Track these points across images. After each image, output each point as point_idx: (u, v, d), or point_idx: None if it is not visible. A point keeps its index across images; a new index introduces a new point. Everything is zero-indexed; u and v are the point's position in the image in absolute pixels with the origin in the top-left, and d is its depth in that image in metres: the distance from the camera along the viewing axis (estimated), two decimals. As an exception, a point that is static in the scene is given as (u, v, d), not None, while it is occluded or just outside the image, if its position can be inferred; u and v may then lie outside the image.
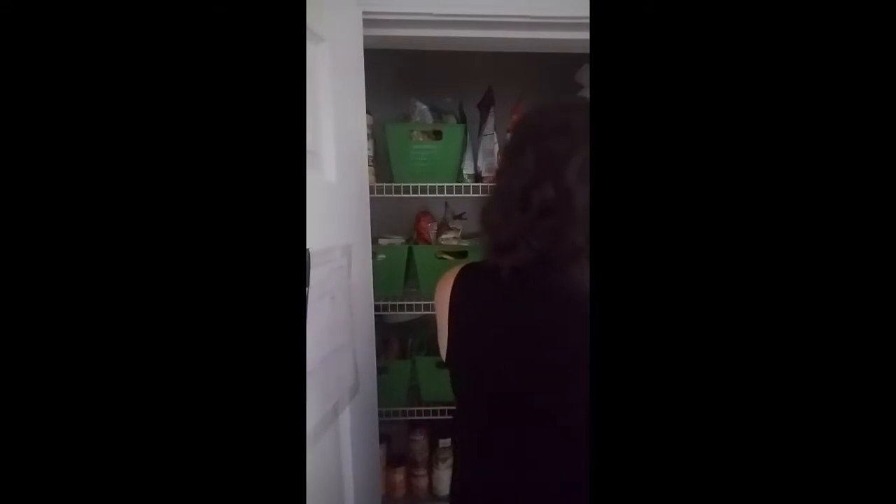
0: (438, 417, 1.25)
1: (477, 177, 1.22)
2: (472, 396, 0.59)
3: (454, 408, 0.63)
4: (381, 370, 1.01)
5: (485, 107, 1.24)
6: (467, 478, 0.61)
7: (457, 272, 0.60)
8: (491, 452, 0.56)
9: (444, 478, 1.35)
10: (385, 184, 1.14)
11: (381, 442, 1.12)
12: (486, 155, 1.20)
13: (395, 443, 1.40)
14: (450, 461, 1.36)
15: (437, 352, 1.27)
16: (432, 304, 1.13)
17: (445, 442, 1.36)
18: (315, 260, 0.60)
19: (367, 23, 0.87)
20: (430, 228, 1.30)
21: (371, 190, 0.97)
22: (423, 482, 1.36)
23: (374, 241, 1.20)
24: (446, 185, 1.14)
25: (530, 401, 0.53)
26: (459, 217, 1.36)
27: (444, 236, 1.29)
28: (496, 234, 0.56)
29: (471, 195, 1.17)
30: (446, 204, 1.36)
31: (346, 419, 0.78)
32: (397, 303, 1.17)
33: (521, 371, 0.53)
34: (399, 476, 1.34)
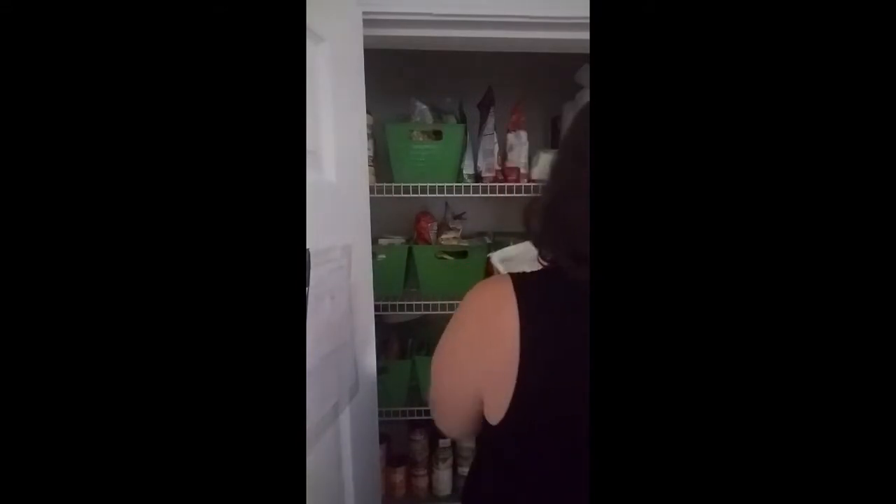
0: (438, 417, 1.25)
1: (477, 177, 1.23)
2: (537, 421, 0.46)
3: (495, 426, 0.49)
4: (381, 370, 1.01)
5: (485, 107, 1.24)
6: (501, 488, 0.50)
7: (506, 288, 0.46)
8: (551, 470, 0.46)
9: (443, 478, 1.35)
10: (385, 184, 1.14)
11: (381, 442, 1.12)
12: (486, 155, 1.20)
13: (395, 443, 1.40)
14: (450, 461, 1.36)
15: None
16: (432, 304, 1.16)
17: (445, 442, 1.36)
18: (315, 260, 0.60)
19: (367, 23, 0.87)
20: (430, 228, 1.30)
21: (371, 190, 0.97)
22: (423, 482, 1.36)
23: (374, 241, 1.21)
24: (446, 185, 1.14)
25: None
26: (459, 217, 1.36)
27: (444, 236, 1.29)
28: (576, 239, 0.43)
29: (471, 195, 1.17)
30: (446, 204, 1.36)
31: (346, 419, 0.78)
32: (397, 303, 1.18)
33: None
34: (399, 476, 1.34)
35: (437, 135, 1.15)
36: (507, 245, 1.28)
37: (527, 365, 0.43)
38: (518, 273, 0.49)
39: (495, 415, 0.46)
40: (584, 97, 1.25)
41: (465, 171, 1.20)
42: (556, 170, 0.51)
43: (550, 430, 0.45)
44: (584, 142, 0.46)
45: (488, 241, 1.34)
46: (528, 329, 0.43)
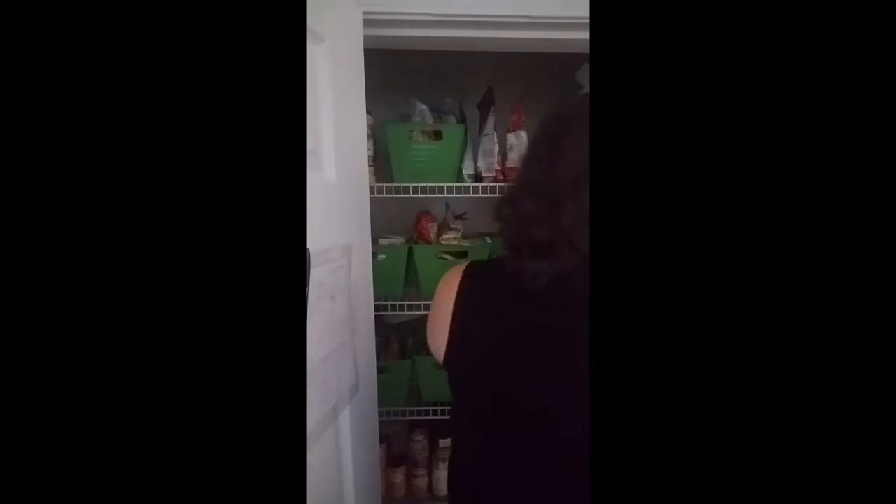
0: (438, 417, 1.25)
1: (477, 177, 1.22)
2: (473, 398, 0.58)
3: (451, 407, 0.62)
4: (381, 370, 1.01)
5: (485, 107, 1.24)
6: (465, 478, 0.60)
7: (461, 271, 0.58)
8: (492, 454, 0.55)
9: (443, 478, 1.35)
10: (385, 184, 1.14)
11: (381, 442, 1.12)
12: (486, 155, 1.20)
13: (395, 443, 1.40)
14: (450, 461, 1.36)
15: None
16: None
17: (445, 442, 1.36)
18: (315, 260, 0.60)
19: (367, 23, 0.87)
20: (431, 228, 1.30)
21: (371, 190, 0.97)
22: (423, 482, 1.36)
23: (374, 241, 1.20)
24: (446, 185, 1.14)
25: (537, 405, 0.51)
26: (460, 217, 1.36)
27: (444, 236, 1.29)
28: (527, 233, 0.50)
29: (471, 195, 1.17)
30: (446, 204, 1.36)
31: (346, 419, 0.78)
32: (397, 303, 1.17)
33: (528, 374, 0.51)
34: (399, 476, 1.34)
35: (437, 135, 1.15)
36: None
37: (452, 333, 0.57)
38: (475, 261, 0.61)
39: (441, 358, 0.60)
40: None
41: (465, 171, 1.20)
42: (518, 170, 0.59)
43: (474, 381, 0.57)
44: (548, 138, 0.53)
45: (489, 241, 1.34)
46: (457, 309, 0.56)
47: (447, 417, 1.24)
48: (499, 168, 1.21)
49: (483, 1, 0.89)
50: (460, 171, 1.19)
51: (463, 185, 1.16)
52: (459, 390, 0.60)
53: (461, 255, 1.23)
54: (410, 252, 1.22)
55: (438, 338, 0.59)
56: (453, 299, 0.57)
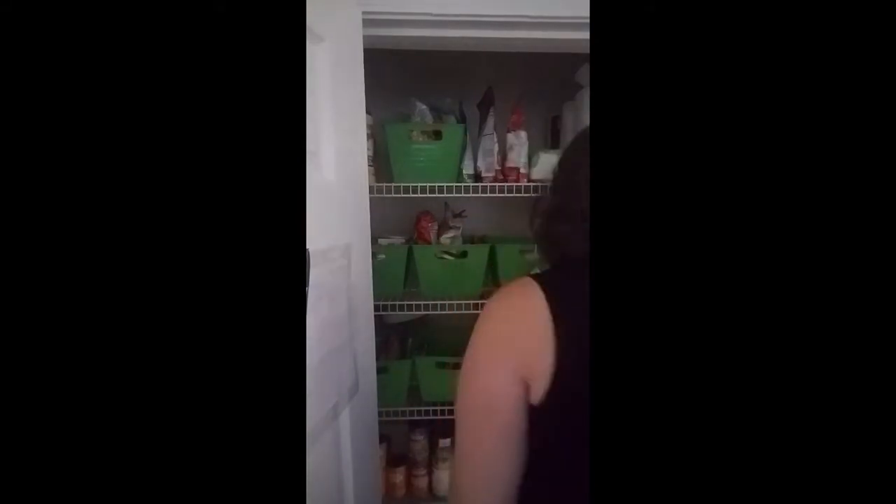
0: (438, 417, 1.25)
1: (477, 177, 1.22)
2: (564, 443, 0.46)
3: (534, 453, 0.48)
4: (381, 370, 1.01)
5: (485, 107, 1.24)
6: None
7: (533, 289, 0.47)
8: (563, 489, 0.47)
9: (443, 478, 1.35)
10: (385, 184, 1.14)
11: (381, 442, 1.12)
12: (486, 155, 1.20)
13: (395, 443, 1.40)
14: (450, 461, 1.36)
15: (436, 352, 1.27)
16: (432, 304, 1.16)
17: (445, 442, 1.36)
18: (315, 260, 0.60)
19: (367, 23, 0.87)
20: (431, 228, 1.30)
21: (371, 190, 0.97)
22: (423, 482, 1.36)
23: (374, 241, 1.20)
24: (446, 185, 1.14)
25: None
26: (459, 215, 1.36)
27: (444, 236, 1.29)
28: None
29: (471, 195, 1.17)
30: (446, 204, 1.36)
31: (346, 419, 0.78)
32: (397, 303, 1.17)
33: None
34: (399, 476, 1.34)
35: (437, 135, 1.15)
36: (506, 247, 1.28)
37: (562, 354, 0.44)
38: (537, 273, 0.50)
39: (534, 397, 0.47)
40: (584, 97, 1.24)
41: (464, 171, 1.20)
42: (566, 168, 0.54)
43: (572, 422, 0.45)
44: (582, 158, 0.48)
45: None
46: (560, 322, 0.44)
47: (447, 417, 1.24)
48: (498, 168, 1.21)
49: (483, 1, 0.89)
50: (460, 171, 1.20)
51: (463, 185, 1.16)
52: (555, 438, 0.47)
53: (461, 254, 1.23)
54: (410, 252, 1.23)
55: (531, 379, 0.45)
56: (538, 327, 0.44)
